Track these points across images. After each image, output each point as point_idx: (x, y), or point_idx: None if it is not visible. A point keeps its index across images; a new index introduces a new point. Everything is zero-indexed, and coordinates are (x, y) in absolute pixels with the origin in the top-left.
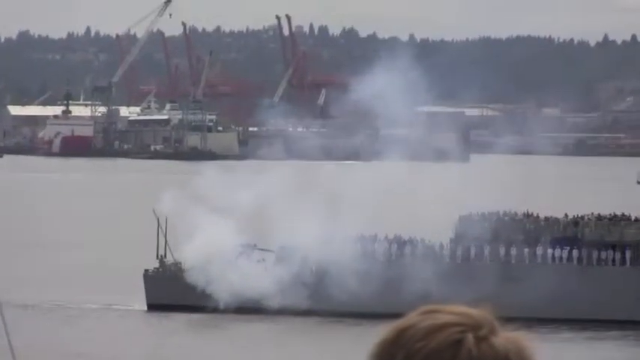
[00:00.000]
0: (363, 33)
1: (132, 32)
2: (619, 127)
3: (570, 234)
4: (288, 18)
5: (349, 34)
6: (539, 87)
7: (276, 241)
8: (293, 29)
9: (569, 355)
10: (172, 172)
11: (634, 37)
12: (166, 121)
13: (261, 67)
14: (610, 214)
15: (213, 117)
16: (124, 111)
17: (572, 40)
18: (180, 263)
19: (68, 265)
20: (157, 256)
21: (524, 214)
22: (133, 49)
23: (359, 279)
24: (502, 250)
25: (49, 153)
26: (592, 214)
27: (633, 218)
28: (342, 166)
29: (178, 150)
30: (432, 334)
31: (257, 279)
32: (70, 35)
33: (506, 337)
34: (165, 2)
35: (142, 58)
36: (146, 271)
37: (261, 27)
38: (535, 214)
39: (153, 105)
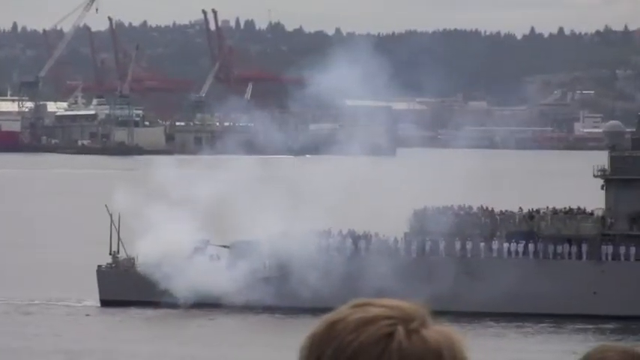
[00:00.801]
0: (290, 27)
1: (58, 27)
2: (546, 121)
3: (526, 228)
4: (215, 12)
5: (275, 28)
6: (467, 81)
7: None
8: (219, 24)
9: (528, 348)
10: (101, 168)
11: (561, 29)
12: (93, 116)
13: (188, 61)
14: (565, 208)
15: (140, 112)
16: (51, 106)
17: (498, 33)
18: (133, 259)
19: (19, 263)
20: (110, 252)
21: (479, 208)
22: (59, 45)
23: (318, 274)
24: (458, 245)
25: None
26: (547, 208)
27: (589, 212)
28: (279, 160)
29: (106, 145)
30: (363, 327)
31: (212, 275)
32: None
33: (437, 330)
34: None
35: (69, 54)
36: (99, 266)
37: (187, 22)
38: (490, 208)
39: (80, 100)
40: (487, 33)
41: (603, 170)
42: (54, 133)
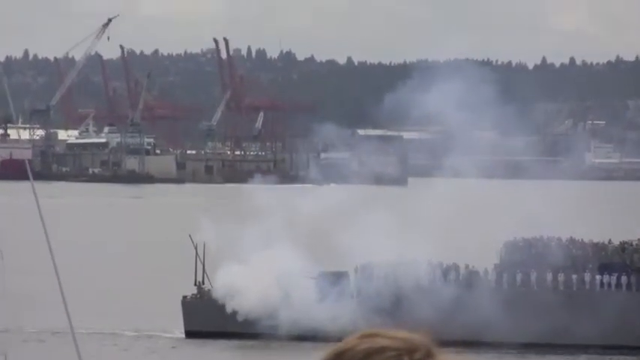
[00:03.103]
0: (301, 56)
1: (70, 55)
2: (558, 150)
3: (619, 260)
4: (226, 41)
5: (287, 57)
6: (477, 109)
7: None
8: (231, 52)
9: None
10: (113, 196)
11: (572, 59)
12: (105, 145)
13: (199, 90)
14: None
15: (151, 140)
16: (62, 134)
17: (510, 62)
18: (209, 290)
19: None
20: (195, 282)
21: (568, 239)
22: (71, 72)
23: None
24: (549, 277)
25: None
26: (638, 239)
27: None
28: (298, 189)
29: (117, 173)
30: (370, 357)
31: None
32: (8, 58)
33: None
34: (104, 25)
35: (80, 81)
36: (184, 297)
37: (199, 50)
38: (580, 240)
39: (91, 128)
40: (499, 62)
41: None
42: (65, 161)
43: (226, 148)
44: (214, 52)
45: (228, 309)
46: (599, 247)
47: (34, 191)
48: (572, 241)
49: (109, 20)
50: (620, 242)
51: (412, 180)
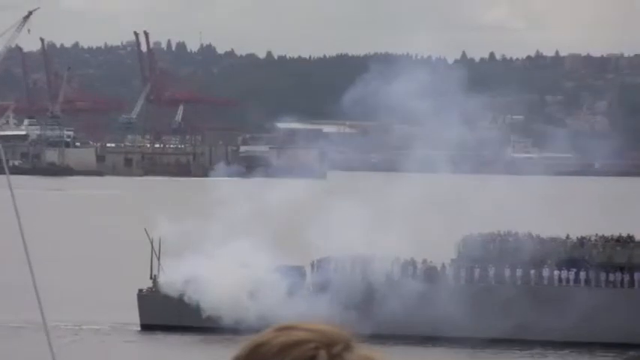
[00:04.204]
0: (221, 50)
1: None
2: (480, 145)
3: (577, 256)
4: (146, 34)
5: (207, 50)
6: (399, 104)
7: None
8: (151, 45)
9: None
10: (33, 188)
11: (492, 54)
12: (24, 137)
13: (119, 83)
14: (613, 236)
15: (71, 132)
16: None
17: (430, 57)
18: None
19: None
20: (151, 276)
21: (525, 235)
22: None
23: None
24: (508, 272)
25: None
26: (596, 235)
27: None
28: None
29: (36, 165)
30: (286, 350)
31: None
32: None
33: (360, 354)
34: (24, 18)
35: (0, 74)
36: (140, 290)
37: (119, 43)
38: (537, 235)
39: (11, 120)
40: (418, 57)
41: None
42: None
43: (146, 141)
44: (134, 45)
45: (186, 302)
46: (557, 243)
47: None
48: (529, 236)
49: (30, 13)
50: (578, 238)
51: (331, 173)
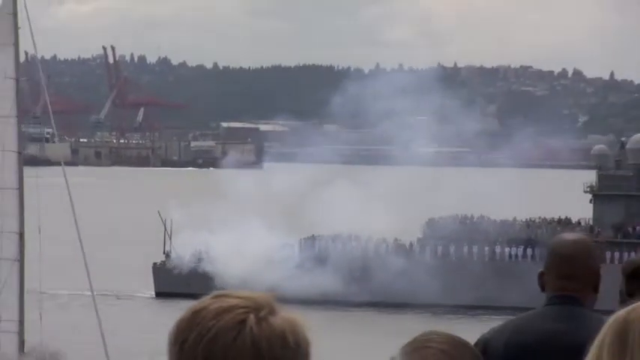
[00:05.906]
0: (175, 61)
1: None
2: (389, 140)
3: (524, 235)
4: (113, 48)
5: (163, 62)
6: (322, 107)
7: None
8: (117, 58)
9: None
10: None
11: (400, 65)
12: None
13: (90, 89)
14: (555, 218)
15: (50, 130)
16: None
17: (349, 67)
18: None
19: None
20: (164, 252)
21: (479, 217)
22: None
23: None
24: (465, 249)
25: None
26: (540, 217)
27: (576, 222)
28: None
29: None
30: (221, 314)
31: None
32: None
33: (283, 316)
34: None
35: None
36: (154, 263)
37: (90, 56)
38: (488, 218)
39: None
40: (340, 67)
41: (592, 187)
42: None
43: (112, 137)
44: (103, 58)
45: (196, 272)
46: (506, 225)
47: None
48: (482, 217)
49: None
50: (525, 220)
51: (267, 165)
